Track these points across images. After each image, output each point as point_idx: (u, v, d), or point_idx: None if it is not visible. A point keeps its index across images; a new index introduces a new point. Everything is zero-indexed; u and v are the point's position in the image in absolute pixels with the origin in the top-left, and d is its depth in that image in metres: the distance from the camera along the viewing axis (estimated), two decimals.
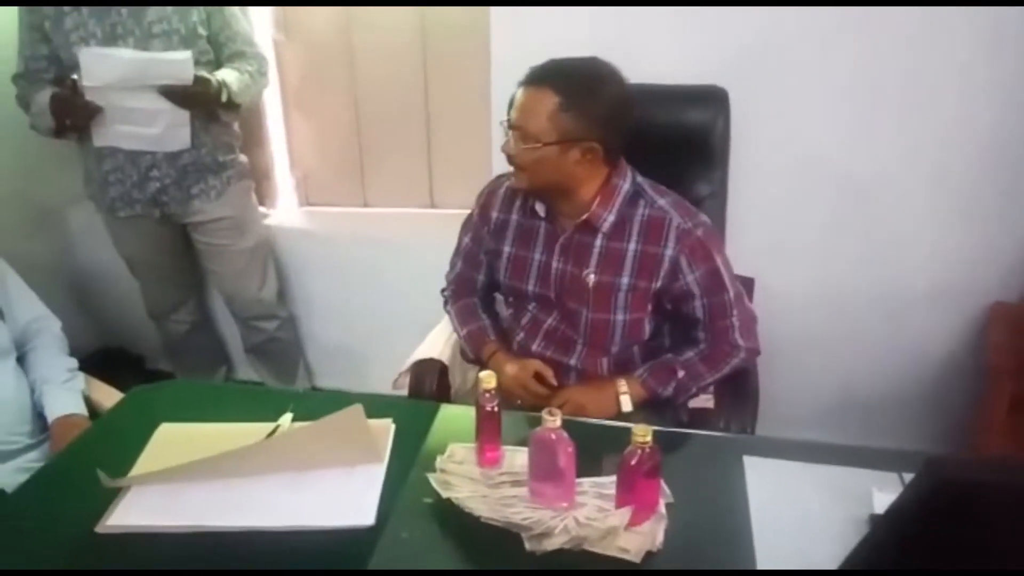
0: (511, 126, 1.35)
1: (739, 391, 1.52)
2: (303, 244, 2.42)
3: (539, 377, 1.46)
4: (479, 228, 1.58)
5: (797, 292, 2.00)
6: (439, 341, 1.71)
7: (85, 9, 1.82)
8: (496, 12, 1.95)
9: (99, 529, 1.04)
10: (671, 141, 1.49)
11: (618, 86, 1.36)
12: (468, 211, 1.63)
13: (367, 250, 2.38)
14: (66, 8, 1.82)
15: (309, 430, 1.15)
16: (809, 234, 1.99)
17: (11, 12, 1.94)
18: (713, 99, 1.65)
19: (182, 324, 2.34)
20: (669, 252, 1.39)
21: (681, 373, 1.44)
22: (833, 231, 1.97)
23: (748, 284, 1.62)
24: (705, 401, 1.58)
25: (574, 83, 1.31)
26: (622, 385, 1.43)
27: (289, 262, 2.43)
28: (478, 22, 2.05)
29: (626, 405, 1.41)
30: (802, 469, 1.15)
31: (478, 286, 1.64)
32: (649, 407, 1.44)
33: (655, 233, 1.40)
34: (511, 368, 1.48)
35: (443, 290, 1.69)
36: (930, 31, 1.73)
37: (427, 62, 2.27)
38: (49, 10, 1.83)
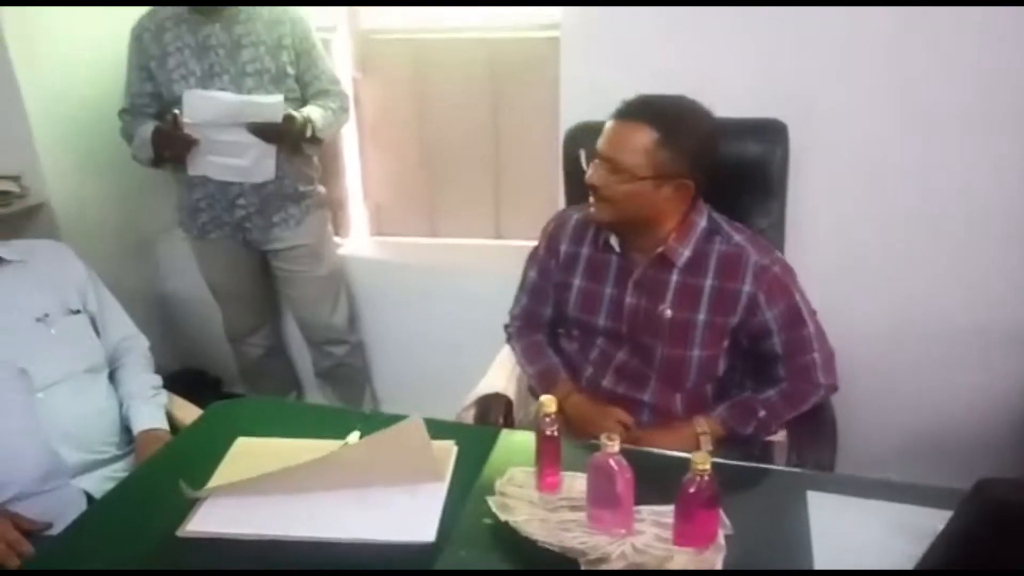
0: (600, 158, 1.36)
1: (814, 426, 1.49)
2: (373, 273, 2.50)
3: (624, 426, 1.45)
4: (546, 262, 1.59)
5: (858, 325, 1.95)
6: (502, 374, 1.72)
7: (187, 51, 1.98)
8: (566, 47, 2.00)
9: (180, 533, 1.11)
10: (730, 173, 1.50)
11: (708, 123, 1.38)
12: (533, 243, 1.64)
13: (434, 279, 2.45)
14: (170, 49, 1.98)
15: (372, 441, 1.19)
16: (872, 268, 1.96)
17: (119, 54, 2.11)
18: (772, 132, 1.66)
19: (257, 348, 2.45)
20: (746, 288, 1.39)
21: (762, 413, 1.42)
22: (898, 265, 1.93)
23: None
24: (778, 436, 1.55)
25: (671, 120, 1.33)
26: (701, 425, 1.42)
27: (360, 290, 2.52)
28: (547, 57, 2.11)
29: (706, 446, 1.40)
30: (866, 506, 1.12)
31: (544, 320, 1.64)
32: (724, 443, 1.43)
33: (732, 269, 1.40)
34: (591, 413, 1.48)
35: (507, 325, 1.70)
36: (999, 61, 1.70)
37: (496, 97, 2.35)
38: (155, 51, 1.99)
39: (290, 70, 2.03)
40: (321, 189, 2.28)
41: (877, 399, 2.03)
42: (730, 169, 1.50)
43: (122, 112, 2.10)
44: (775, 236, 1.68)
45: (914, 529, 1.05)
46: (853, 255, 1.96)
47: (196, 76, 1.98)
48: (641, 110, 1.34)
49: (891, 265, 1.95)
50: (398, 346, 2.56)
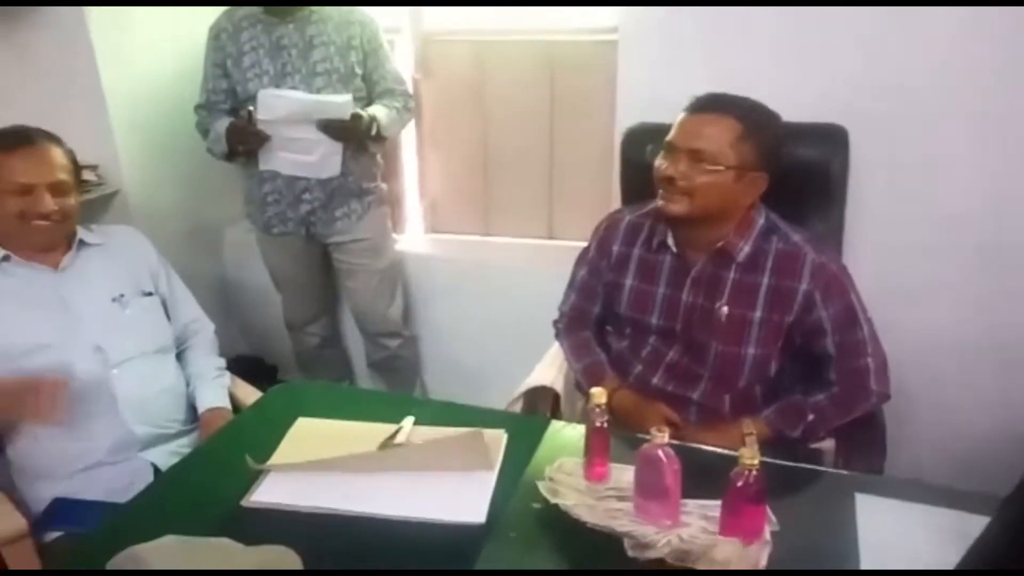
0: (678, 150, 1.37)
1: (863, 434, 1.48)
2: (427, 268, 2.56)
3: (670, 423, 1.45)
4: (597, 262, 1.61)
5: (913, 336, 1.91)
6: (551, 369, 1.74)
7: (261, 50, 2.07)
8: (623, 51, 2.03)
9: (245, 503, 1.16)
10: (788, 177, 1.50)
11: (781, 123, 1.41)
12: (585, 243, 1.66)
13: (487, 277, 2.49)
14: (246, 49, 2.08)
15: (430, 445, 1.24)
16: (930, 278, 1.92)
17: (193, 52, 2.22)
18: (832, 137, 1.65)
19: (314, 337, 2.52)
20: (803, 286, 1.39)
21: (811, 416, 1.42)
22: (958, 276, 1.90)
23: None
24: (826, 443, 1.53)
25: (754, 114, 1.36)
26: (748, 427, 1.40)
27: (413, 285, 2.57)
28: (605, 60, 2.14)
29: (751, 447, 1.40)
30: (916, 510, 1.12)
31: (592, 318, 1.66)
32: (770, 445, 1.43)
33: (789, 267, 1.40)
34: (637, 409, 1.50)
35: (555, 321, 1.72)
36: None
37: (553, 99, 2.38)
38: (231, 50, 2.09)
39: (358, 70, 2.10)
40: (383, 186, 2.35)
41: (928, 411, 2.00)
42: (790, 172, 1.50)
43: (198, 107, 2.20)
44: (833, 242, 1.67)
45: (966, 536, 1.04)
46: (911, 264, 1.93)
47: (269, 75, 2.07)
48: (723, 103, 1.37)
49: (951, 276, 1.91)
50: (449, 340, 2.61)
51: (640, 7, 1.97)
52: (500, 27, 2.36)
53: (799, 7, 1.81)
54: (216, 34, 2.12)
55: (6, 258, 1.56)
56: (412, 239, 2.65)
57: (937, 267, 1.91)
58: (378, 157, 2.30)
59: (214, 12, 2.17)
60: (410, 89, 2.27)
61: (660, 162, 1.40)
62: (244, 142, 2.08)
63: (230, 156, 2.17)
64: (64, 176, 1.56)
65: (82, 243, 1.65)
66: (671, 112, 1.43)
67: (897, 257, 1.93)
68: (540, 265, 2.41)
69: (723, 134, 1.34)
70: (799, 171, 1.60)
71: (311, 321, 2.49)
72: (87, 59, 2.18)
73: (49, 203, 1.53)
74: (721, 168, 1.34)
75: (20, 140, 1.53)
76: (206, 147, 2.21)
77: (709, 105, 1.38)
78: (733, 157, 1.34)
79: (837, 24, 1.80)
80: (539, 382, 1.69)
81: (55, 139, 1.58)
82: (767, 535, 1.05)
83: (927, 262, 1.92)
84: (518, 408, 1.65)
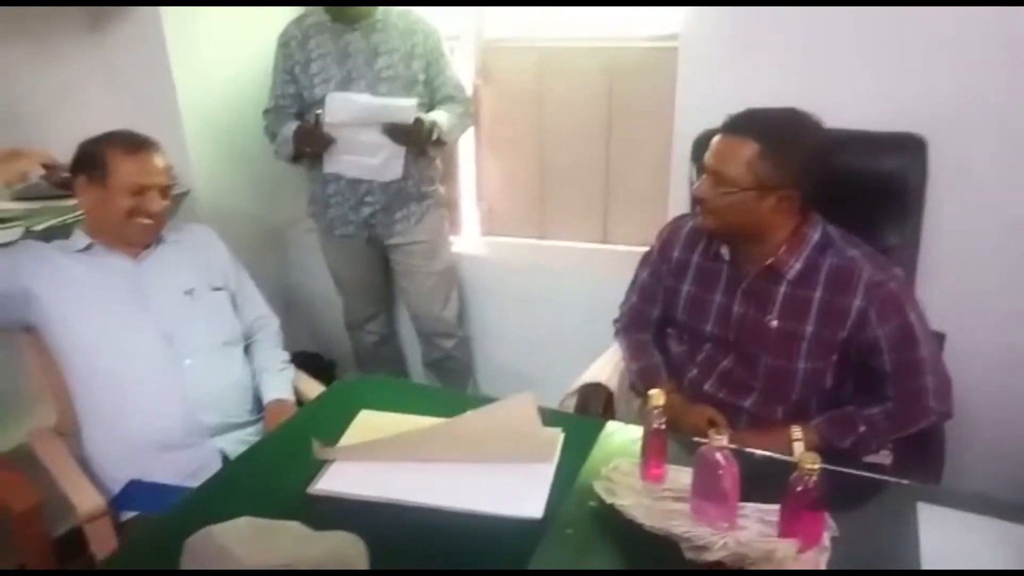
0: (706, 171, 1.40)
1: (921, 450, 1.46)
2: (483, 271, 2.59)
3: (712, 423, 1.46)
4: (658, 265, 1.63)
5: (992, 354, 1.87)
6: (607, 368, 1.76)
7: (328, 57, 2.14)
8: (684, 58, 2.03)
9: (310, 491, 1.21)
10: (863, 187, 1.48)
11: (817, 135, 1.39)
12: (639, 248, 1.69)
13: (541, 280, 2.51)
14: (313, 55, 2.15)
15: (486, 412, 1.28)
16: (1009, 294, 1.86)
17: (260, 57, 2.29)
18: (910, 147, 1.62)
19: (372, 335, 2.58)
20: (857, 303, 1.38)
21: (862, 428, 1.40)
22: None
23: (938, 339, 1.55)
24: (882, 457, 1.51)
25: (774, 132, 1.35)
26: (796, 432, 1.40)
27: (469, 287, 2.61)
28: (664, 67, 2.14)
29: (798, 451, 1.38)
30: (980, 522, 1.10)
31: (651, 320, 1.67)
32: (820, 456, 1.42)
33: (843, 283, 1.39)
34: (684, 410, 1.50)
35: (615, 320, 1.75)
36: None
37: (611, 105, 2.39)
38: (300, 56, 2.16)
39: (420, 76, 2.16)
40: (441, 190, 2.39)
41: (995, 429, 1.93)
42: (863, 183, 1.49)
43: (266, 112, 2.29)
44: (908, 254, 1.64)
45: None
46: (988, 281, 1.87)
47: (335, 80, 2.14)
48: (745, 124, 1.38)
49: None
50: (503, 342, 2.64)
51: (701, 14, 1.96)
52: (560, 34, 2.39)
53: (871, 9, 1.77)
54: (285, 41, 2.20)
55: (89, 247, 1.65)
56: (468, 241, 2.70)
57: (1014, 285, 1.85)
58: (437, 161, 2.35)
59: (282, 18, 2.25)
60: (470, 95, 2.31)
61: (697, 182, 1.44)
62: (311, 144, 2.15)
63: (296, 159, 2.24)
64: (169, 181, 1.69)
65: (160, 238, 1.74)
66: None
67: (974, 273, 1.87)
68: (594, 269, 2.42)
69: (740, 156, 1.35)
70: (873, 182, 1.59)
71: (370, 319, 2.56)
72: (162, 65, 2.27)
73: (159, 204, 1.65)
74: (736, 190, 1.35)
75: (139, 145, 1.64)
76: (273, 150, 2.29)
77: (732, 126, 1.39)
78: (750, 178, 1.35)
79: (913, 29, 1.76)
80: (594, 379, 1.70)
81: (159, 146, 1.70)
82: (826, 541, 1.05)
83: (1004, 280, 1.85)
84: (571, 404, 1.67)
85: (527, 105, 2.51)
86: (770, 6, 1.86)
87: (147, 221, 1.65)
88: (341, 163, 2.17)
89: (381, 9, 2.15)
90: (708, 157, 1.41)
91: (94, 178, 1.61)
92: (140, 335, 1.63)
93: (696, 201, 1.44)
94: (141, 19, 2.23)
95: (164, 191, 1.67)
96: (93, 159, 1.61)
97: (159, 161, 1.66)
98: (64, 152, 1.68)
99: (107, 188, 1.61)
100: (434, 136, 2.13)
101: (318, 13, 2.17)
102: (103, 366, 1.60)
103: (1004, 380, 1.90)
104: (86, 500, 1.45)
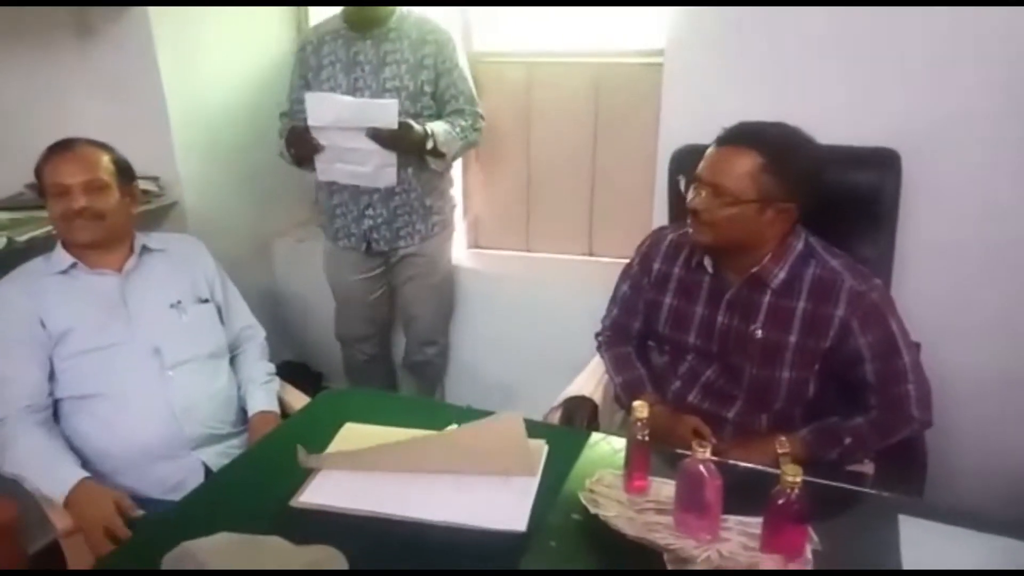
0: (702, 183, 1.39)
1: (903, 460, 1.47)
2: (469, 282, 2.59)
3: (696, 433, 1.46)
4: (639, 278, 1.63)
5: (967, 364, 1.89)
6: (591, 381, 1.76)
7: (338, 65, 2.13)
8: (668, 74, 2.05)
9: (293, 503, 1.20)
10: (839, 200, 1.50)
11: (815, 150, 1.40)
12: (624, 261, 1.69)
13: (527, 291, 2.52)
14: (324, 63, 2.14)
15: (473, 429, 1.27)
16: (980, 306, 1.89)
17: (252, 65, 2.29)
18: (885, 161, 1.64)
19: (363, 354, 2.55)
20: (839, 313, 1.39)
21: (847, 439, 1.41)
22: (1009, 304, 1.86)
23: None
24: (865, 466, 1.53)
25: (776, 144, 1.35)
26: (783, 444, 1.41)
27: (455, 297, 2.61)
28: (650, 83, 2.16)
29: (784, 465, 1.40)
30: (961, 534, 1.11)
31: (633, 334, 1.68)
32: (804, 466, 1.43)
33: (825, 293, 1.40)
34: (669, 423, 1.50)
35: (597, 334, 1.74)
36: None
37: (597, 120, 2.41)
38: (313, 63, 2.16)
39: (427, 88, 2.12)
40: (451, 206, 2.37)
41: (973, 440, 1.96)
42: (838, 197, 1.49)
43: (281, 115, 2.29)
44: (882, 266, 1.65)
45: (1014, 563, 1.04)
46: (961, 291, 1.90)
47: (342, 89, 2.12)
48: (746, 135, 1.37)
49: (1001, 304, 1.88)
50: (488, 352, 2.63)
51: (685, 29, 1.98)
52: (547, 49, 2.41)
53: (848, 29, 1.81)
54: (302, 46, 2.21)
55: (73, 265, 1.64)
56: (455, 253, 2.69)
57: (988, 296, 1.88)
58: (445, 176, 2.30)
59: (275, 26, 2.24)
60: (480, 111, 2.24)
61: (689, 193, 1.42)
62: (297, 146, 2.13)
63: (299, 162, 2.21)
64: (102, 176, 1.62)
65: (144, 248, 1.73)
66: (714, 135, 1.44)
67: (947, 284, 1.90)
68: (579, 282, 2.43)
69: (743, 168, 1.34)
70: (849, 195, 1.60)
71: (362, 340, 2.52)
72: (152, 75, 2.26)
73: (80, 200, 1.59)
74: (736, 202, 1.35)
75: (61, 147, 1.63)
76: (278, 151, 2.26)
77: (732, 138, 1.38)
78: (753, 191, 1.35)
79: (888, 48, 1.79)
80: (579, 391, 1.70)
81: (101, 145, 1.67)
82: (808, 553, 1.05)
83: (978, 290, 1.89)
84: (557, 416, 1.67)
85: (514, 119, 2.52)
86: (752, 25, 1.89)
87: (78, 221, 1.60)
88: (334, 171, 2.15)
89: (396, 17, 2.12)
90: (704, 169, 1.39)
91: (41, 192, 1.64)
92: (126, 348, 1.62)
93: (691, 213, 1.42)
94: (130, 25, 2.21)
95: (90, 185, 1.59)
96: (37, 173, 1.63)
97: (86, 158, 1.62)
98: None
99: (45, 197, 1.62)
100: (429, 145, 2.08)
101: (337, 20, 2.16)
102: (88, 379, 1.59)
103: (978, 390, 1.92)
104: (64, 515, 1.43)
